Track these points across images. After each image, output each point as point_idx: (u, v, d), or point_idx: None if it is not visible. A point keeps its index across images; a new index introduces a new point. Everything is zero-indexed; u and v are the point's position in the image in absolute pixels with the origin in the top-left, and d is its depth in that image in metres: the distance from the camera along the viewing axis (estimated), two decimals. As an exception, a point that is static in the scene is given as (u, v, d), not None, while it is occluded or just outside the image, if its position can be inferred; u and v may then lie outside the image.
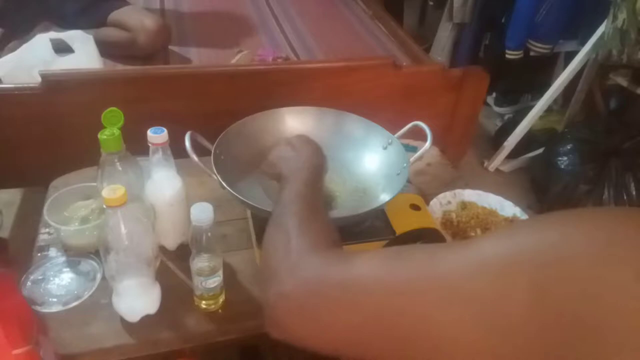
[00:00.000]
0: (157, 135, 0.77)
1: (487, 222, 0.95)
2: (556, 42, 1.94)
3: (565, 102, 2.19)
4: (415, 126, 0.90)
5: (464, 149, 1.59)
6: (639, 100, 1.90)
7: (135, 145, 0.79)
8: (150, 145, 0.78)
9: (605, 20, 1.63)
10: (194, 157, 0.80)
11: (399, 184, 0.82)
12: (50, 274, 0.82)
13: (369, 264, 0.43)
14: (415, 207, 0.89)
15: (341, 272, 0.44)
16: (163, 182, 0.82)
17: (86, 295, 0.79)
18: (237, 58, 1.62)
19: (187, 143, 0.81)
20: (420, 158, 0.87)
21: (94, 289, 0.80)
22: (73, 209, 0.89)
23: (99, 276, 0.82)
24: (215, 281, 0.77)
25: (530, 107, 2.10)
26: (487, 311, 0.33)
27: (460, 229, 0.94)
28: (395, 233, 0.85)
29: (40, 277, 0.81)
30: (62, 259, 0.85)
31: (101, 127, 0.72)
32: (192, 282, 0.78)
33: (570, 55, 2.10)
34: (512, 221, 0.97)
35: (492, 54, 2.14)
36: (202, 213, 0.71)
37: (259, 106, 0.95)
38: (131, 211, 0.68)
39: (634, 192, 1.66)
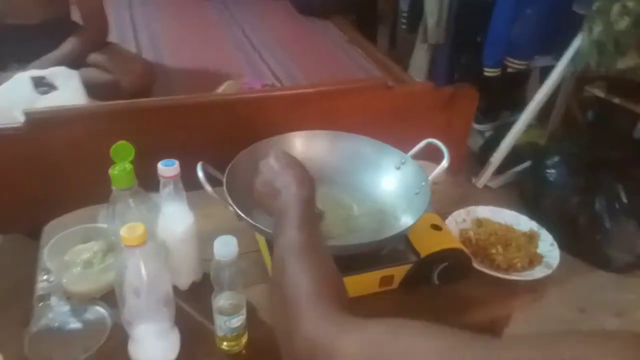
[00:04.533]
0: (168, 168, 0.73)
1: (506, 239, 0.93)
2: (532, 57, 1.99)
3: (542, 116, 2.24)
4: (429, 144, 0.89)
5: (458, 167, 1.59)
6: (617, 110, 1.96)
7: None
8: (161, 178, 0.73)
9: (581, 34, 1.68)
10: (208, 188, 0.76)
11: (421, 205, 0.80)
12: (55, 326, 0.75)
13: (352, 345, 0.42)
14: (436, 227, 0.86)
15: (328, 347, 0.44)
16: (175, 217, 0.77)
17: (96, 345, 0.73)
18: (223, 88, 1.59)
19: (200, 174, 0.77)
20: (438, 176, 0.85)
21: (104, 338, 0.74)
22: (73, 253, 0.83)
23: (108, 323, 0.76)
24: (239, 320, 0.72)
25: (510, 123, 2.13)
26: None
27: (480, 247, 0.92)
28: (419, 255, 0.82)
29: (44, 329, 0.74)
30: (66, 307, 0.78)
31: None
32: (214, 323, 0.73)
33: (545, 70, 2.17)
34: (531, 237, 0.95)
35: (469, 73, 2.18)
36: (226, 247, 0.66)
37: (256, 133, 0.92)
38: (150, 250, 0.63)
39: (625, 201, 1.69)
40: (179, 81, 1.75)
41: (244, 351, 0.75)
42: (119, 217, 0.69)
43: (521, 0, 1.79)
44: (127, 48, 1.84)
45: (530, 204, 1.93)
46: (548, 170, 1.85)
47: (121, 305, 0.65)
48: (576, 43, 1.71)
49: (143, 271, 0.62)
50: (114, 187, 0.68)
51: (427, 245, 0.82)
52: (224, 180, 0.81)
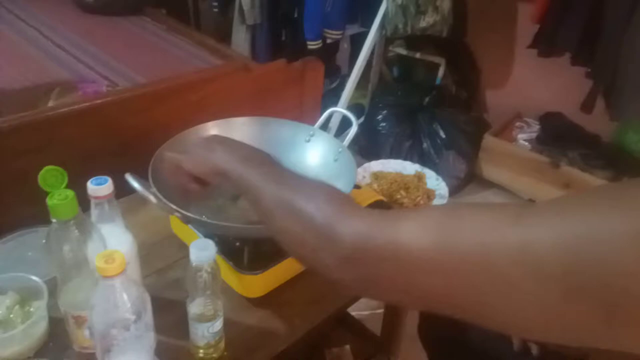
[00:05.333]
0: (101, 187, 0.65)
1: (404, 183, 1.07)
2: (344, 27, 2.18)
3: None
4: (333, 112, 0.95)
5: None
6: (418, 64, 2.30)
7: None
8: (92, 199, 0.65)
9: (385, 1, 1.91)
10: (151, 196, 0.70)
11: (350, 170, 0.85)
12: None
13: (418, 231, 0.40)
14: (356, 187, 0.94)
15: (389, 238, 0.41)
16: (112, 239, 0.69)
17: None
18: (54, 98, 1.39)
19: (136, 184, 0.70)
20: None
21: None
22: (-17, 318, 0.68)
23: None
24: (220, 322, 0.70)
25: (333, 90, 2.33)
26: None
27: (386, 195, 1.04)
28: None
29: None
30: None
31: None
32: (190, 333, 0.69)
33: (354, 38, 2.40)
34: (419, 178, 1.10)
35: (291, 48, 2.29)
36: (204, 250, 0.64)
37: (139, 133, 0.87)
38: (126, 276, 0.57)
39: (444, 136, 2.01)
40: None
41: (225, 353, 0.73)
42: (62, 252, 0.60)
43: (328, -25, 1.95)
44: None
45: (370, 156, 2.17)
46: (381, 124, 2.09)
47: (99, 344, 0.58)
48: (382, 9, 1.93)
49: (127, 300, 0.56)
50: (53, 219, 0.58)
51: (358, 202, 0.89)
52: (150, 182, 0.75)
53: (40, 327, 0.70)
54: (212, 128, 0.89)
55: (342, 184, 0.84)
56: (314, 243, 0.47)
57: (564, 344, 0.39)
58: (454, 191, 2.09)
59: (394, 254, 0.41)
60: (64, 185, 0.59)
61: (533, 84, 2.21)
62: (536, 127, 2.16)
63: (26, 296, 0.73)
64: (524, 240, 0.34)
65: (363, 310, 1.39)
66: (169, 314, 0.73)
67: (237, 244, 0.80)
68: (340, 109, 0.94)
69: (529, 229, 0.35)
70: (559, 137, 2.04)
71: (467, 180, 2.13)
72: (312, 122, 0.99)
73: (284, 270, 0.80)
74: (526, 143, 2.09)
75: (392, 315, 1.15)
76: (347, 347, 1.19)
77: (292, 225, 0.50)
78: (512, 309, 0.36)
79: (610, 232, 0.31)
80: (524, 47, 1.90)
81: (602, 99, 1.79)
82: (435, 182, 1.09)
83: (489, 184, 2.14)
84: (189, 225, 0.81)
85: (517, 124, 2.20)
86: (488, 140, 2.07)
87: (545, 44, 1.80)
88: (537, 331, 0.36)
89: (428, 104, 2.12)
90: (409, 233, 0.40)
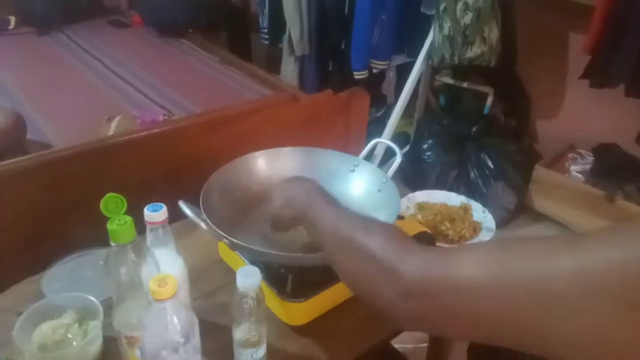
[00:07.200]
0: (156, 213, 0.69)
1: (449, 215, 1.06)
2: (390, 57, 2.21)
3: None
4: (377, 144, 0.96)
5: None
6: (465, 93, 2.28)
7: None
8: (148, 225, 0.69)
9: (432, 31, 1.93)
10: (201, 223, 0.74)
11: (394, 200, 0.86)
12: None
13: (476, 265, 0.43)
14: (400, 217, 0.94)
15: (448, 273, 0.44)
16: (165, 263, 0.72)
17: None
18: (115, 125, 1.48)
19: (187, 210, 0.74)
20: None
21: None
22: (44, 336, 0.72)
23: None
24: (264, 348, 0.71)
25: (378, 118, 2.34)
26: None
27: (431, 226, 1.03)
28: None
29: None
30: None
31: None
32: (235, 358, 0.71)
33: (400, 67, 2.42)
34: (465, 210, 1.09)
35: (338, 79, 2.33)
36: (249, 277, 0.65)
37: (192, 163, 0.91)
38: (178, 300, 0.59)
39: (492, 166, 1.98)
40: (52, 128, 1.58)
41: (268, 379, 0.74)
42: (121, 275, 0.64)
43: (376, 8, 1.98)
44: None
45: (415, 186, 2.15)
46: (426, 154, 2.09)
47: (150, 366, 0.60)
48: (429, 40, 1.95)
49: (177, 323, 0.59)
50: (112, 243, 0.62)
51: (401, 234, 0.89)
52: (201, 210, 0.78)
53: (95, 346, 0.73)
54: (260, 157, 0.92)
55: (386, 215, 0.85)
56: (375, 278, 0.50)
57: None
58: (503, 223, 2.04)
59: (455, 287, 0.43)
60: (123, 211, 0.63)
61: (586, 114, 2.14)
62: (590, 158, 2.08)
63: (84, 315, 0.77)
64: (580, 265, 0.37)
65: (407, 343, 1.37)
66: (215, 338, 0.74)
67: (282, 271, 0.81)
68: (384, 140, 0.96)
69: (583, 253, 0.38)
70: (614, 169, 1.96)
71: (517, 212, 2.08)
72: (358, 151, 1.01)
73: (327, 298, 0.81)
74: (579, 175, 2.02)
75: (437, 350, 1.12)
76: (390, 380, 1.17)
77: (354, 260, 0.54)
78: (574, 331, 0.37)
79: None
80: (576, 76, 1.86)
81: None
82: (482, 215, 1.07)
83: (541, 217, 2.07)
84: (236, 252, 0.84)
85: (570, 155, 2.14)
86: (539, 171, 2.02)
87: (598, 75, 1.75)
88: (597, 353, 0.38)
89: (475, 133, 2.10)
90: (468, 267, 0.43)
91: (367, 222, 0.59)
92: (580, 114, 2.17)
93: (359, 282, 0.54)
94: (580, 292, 0.36)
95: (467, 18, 1.76)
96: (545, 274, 0.38)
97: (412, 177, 2.15)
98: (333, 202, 0.65)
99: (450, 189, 1.97)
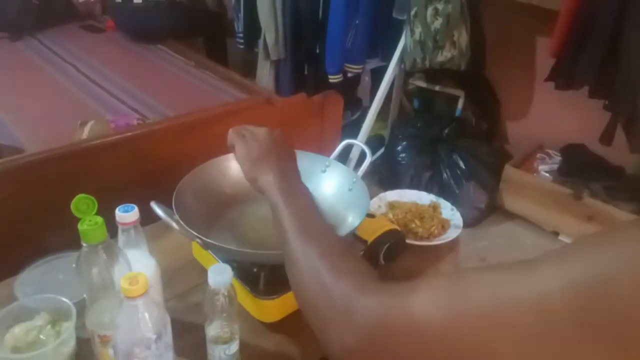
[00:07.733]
0: (128, 214, 0.70)
1: (419, 213, 1.09)
2: (364, 61, 2.25)
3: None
4: (347, 144, 0.99)
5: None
6: (438, 96, 2.34)
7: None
8: (120, 225, 0.70)
9: (403, 36, 1.97)
10: (173, 223, 0.75)
11: (363, 200, 0.88)
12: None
13: (429, 304, 0.42)
14: (370, 215, 0.97)
15: (403, 315, 0.43)
16: (137, 264, 0.73)
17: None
18: (88, 130, 1.48)
19: (159, 211, 0.75)
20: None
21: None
22: (16, 339, 0.73)
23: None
24: (236, 345, 0.73)
25: (353, 122, 2.38)
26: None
27: (401, 224, 1.06)
28: (367, 242, 0.91)
29: None
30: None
31: None
32: (207, 355, 0.72)
33: (375, 71, 2.47)
34: (434, 208, 1.12)
35: (313, 82, 2.36)
36: (221, 275, 0.67)
37: (165, 166, 0.93)
38: (149, 297, 0.61)
39: (464, 167, 2.03)
40: (25, 133, 1.57)
41: (241, 375, 0.76)
42: (91, 275, 0.65)
43: (349, 13, 2.02)
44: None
45: (390, 187, 2.19)
46: (400, 155, 2.13)
47: (123, 362, 0.61)
48: (401, 44, 1.99)
49: (149, 320, 0.60)
50: (83, 243, 0.63)
51: (371, 231, 0.92)
52: (173, 210, 0.80)
53: (68, 347, 0.73)
54: (233, 159, 0.93)
55: (355, 213, 0.88)
56: (328, 314, 0.49)
57: None
58: (475, 222, 2.09)
59: (410, 330, 0.43)
60: (94, 212, 0.64)
61: (554, 115, 2.22)
62: (558, 158, 2.16)
63: (57, 317, 0.77)
64: (534, 291, 0.37)
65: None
66: (188, 337, 0.76)
67: (254, 269, 0.83)
68: (354, 141, 0.99)
69: (536, 278, 0.37)
70: (581, 168, 2.03)
71: (489, 211, 2.13)
72: (332, 153, 1.03)
73: (299, 296, 0.83)
74: (548, 174, 2.09)
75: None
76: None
77: (310, 285, 0.53)
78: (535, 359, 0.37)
79: (608, 270, 0.35)
80: (543, 79, 1.92)
81: (622, 131, 1.79)
82: (451, 212, 1.11)
83: (511, 215, 2.13)
84: (209, 251, 0.85)
85: (539, 155, 2.20)
86: (509, 171, 2.08)
87: (563, 77, 1.82)
88: None
89: (448, 135, 2.15)
90: (421, 307, 0.42)
91: (332, 243, 0.58)
92: (548, 116, 2.24)
93: (311, 310, 0.53)
94: (538, 320, 0.36)
95: (437, 23, 1.80)
96: (500, 305, 0.38)
97: (387, 178, 2.19)
98: (304, 204, 0.65)
99: (424, 190, 2.02)
